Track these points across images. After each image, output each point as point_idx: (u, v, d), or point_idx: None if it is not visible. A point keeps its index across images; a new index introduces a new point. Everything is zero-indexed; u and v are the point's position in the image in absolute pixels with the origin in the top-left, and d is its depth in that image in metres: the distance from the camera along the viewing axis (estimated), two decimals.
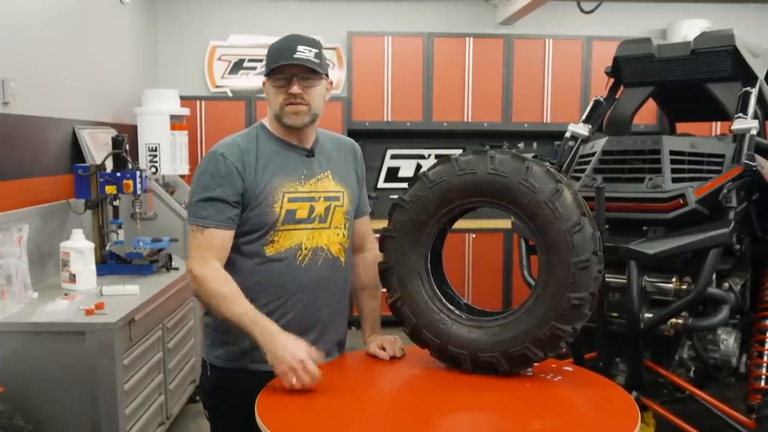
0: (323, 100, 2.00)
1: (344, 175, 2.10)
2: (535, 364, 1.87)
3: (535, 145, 6.28)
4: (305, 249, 1.97)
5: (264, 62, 1.98)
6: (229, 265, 1.95)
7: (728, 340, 2.92)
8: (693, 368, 2.92)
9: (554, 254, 1.78)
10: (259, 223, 1.93)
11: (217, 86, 6.09)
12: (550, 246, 1.79)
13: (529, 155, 1.87)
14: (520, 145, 6.27)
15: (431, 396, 1.80)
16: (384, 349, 2.04)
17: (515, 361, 1.84)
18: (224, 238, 1.91)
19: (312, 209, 1.98)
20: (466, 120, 5.98)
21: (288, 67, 1.90)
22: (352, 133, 5.89)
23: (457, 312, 1.94)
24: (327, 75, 1.99)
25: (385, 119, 5.93)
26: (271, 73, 1.92)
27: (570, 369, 2.01)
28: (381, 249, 2.01)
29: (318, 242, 1.99)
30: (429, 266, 1.98)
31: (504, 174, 1.82)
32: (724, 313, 2.64)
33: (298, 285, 1.97)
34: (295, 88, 1.91)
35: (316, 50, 1.93)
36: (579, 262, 1.76)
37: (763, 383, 2.85)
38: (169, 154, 4.76)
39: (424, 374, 1.93)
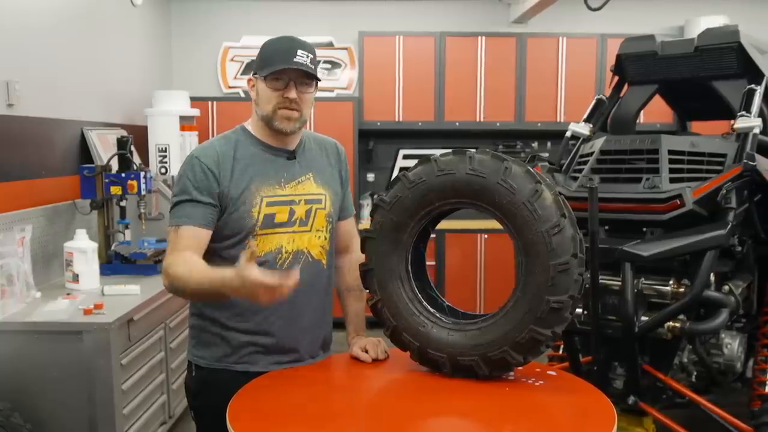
0: (312, 105, 1.99)
1: (327, 177, 2.09)
2: (517, 368, 1.83)
3: (549, 144, 6.22)
4: (285, 253, 1.96)
5: (257, 60, 1.95)
6: None
7: (732, 344, 2.85)
8: (695, 373, 2.85)
9: (533, 256, 1.74)
10: (238, 227, 1.92)
11: (230, 87, 6.13)
12: (528, 248, 1.75)
13: (509, 156, 1.83)
14: (533, 145, 6.22)
15: (407, 400, 1.78)
16: (367, 352, 2.02)
17: (494, 365, 1.80)
18: (197, 234, 1.89)
19: (292, 212, 1.97)
20: (478, 120, 5.94)
21: (286, 71, 1.88)
22: (364, 133, 5.93)
23: (438, 315, 1.92)
24: (319, 81, 1.98)
25: (397, 119, 5.91)
26: (268, 75, 1.90)
27: (553, 373, 1.97)
28: (362, 250, 1.99)
29: (299, 245, 1.98)
30: (410, 268, 1.95)
31: (482, 174, 1.79)
32: (723, 316, 2.56)
33: None
34: (293, 93, 1.90)
35: (312, 55, 1.92)
36: (558, 264, 1.72)
37: (766, 389, 2.78)
38: (178, 154, 4.79)
39: (403, 377, 1.90)
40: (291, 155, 2.02)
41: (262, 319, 1.96)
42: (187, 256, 1.87)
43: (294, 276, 1.67)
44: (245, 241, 1.93)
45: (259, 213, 1.92)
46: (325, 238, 2.04)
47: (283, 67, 1.88)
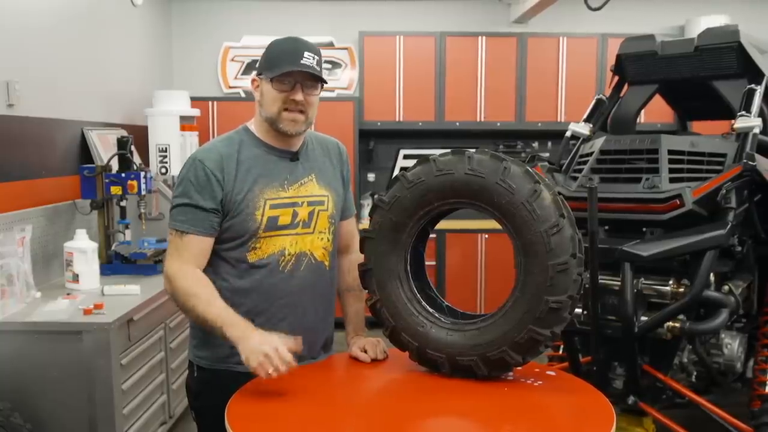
0: (317, 107, 1.99)
1: (329, 178, 2.08)
2: (516, 368, 1.83)
3: (549, 144, 6.22)
4: (288, 255, 1.96)
5: (263, 60, 1.94)
6: (213, 271, 1.95)
7: (732, 344, 2.85)
8: (695, 373, 2.85)
9: (532, 256, 1.74)
10: (241, 230, 1.92)
11: (230, 87, 6.13)
12: (527, 248, 1.75)
13: (505, 155, 1.83)
14: (534, 145, 6.22)
15: (406, 400, 1.78)
16: (366, 352, 2.02)
17: (493, 365, 1.80)
18: (203, 244, 1.90)
19: (295, 215, 1.97)
20: (478, 120, 5.94)
21: (293, 72, 1.88)
22: (364, 133, 5.93)
23: (437, 315, 1.92)
24: (325, 83, 1.96)
25: (397, 119, 5.91)
26: (274, 77, 1.89)
27: (552, 373, 1.97)
28: (361, 250, 1.99)
29: (301, 248, 1.98)
30: (409, 268, 1.95)
31: (481, 174, 1.79)
32: (723, 316, 2.56)
33: (281, 291, 1.96)
34: (299, 96, 1.89)
35: (319, 57, 1.92)
36: (557, 264, 1.72)
37: (766, 389, 2.77)
38: (179, 154, 4.79)
39: (402, 377, 1.91)
40: (294, 157, 2.01)
41: (265, 320, 1.95)
42: (199, 276, 1.88)
43: (298, 347, 1.76)
44: (247, 243, 1.93)
45: (262, 216, 1.92)
46: (328, 240, 2.04)
47: (290, 69, 1.87)
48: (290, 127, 1.92)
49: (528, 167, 1.80)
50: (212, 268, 1.95)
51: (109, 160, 3.85)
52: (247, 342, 1.75)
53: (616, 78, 3.42)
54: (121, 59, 4.87)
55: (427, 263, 2.07)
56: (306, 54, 1.88)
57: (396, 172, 6.29)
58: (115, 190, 3.73)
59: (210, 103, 5.71)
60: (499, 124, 5.95)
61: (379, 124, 5.92)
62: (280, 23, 5.95)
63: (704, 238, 2.50)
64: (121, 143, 3.85)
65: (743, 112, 2.74)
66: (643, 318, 2.62)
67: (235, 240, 1.93)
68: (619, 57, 3.31)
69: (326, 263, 2.05)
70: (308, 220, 1.99)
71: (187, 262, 1.89)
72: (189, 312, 1.89)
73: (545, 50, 5.90)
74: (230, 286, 1.95)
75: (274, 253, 1.95)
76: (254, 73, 1.99)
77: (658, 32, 3.39)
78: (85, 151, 4.10)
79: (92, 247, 3.39)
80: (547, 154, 5.54)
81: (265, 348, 1.71)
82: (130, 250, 3.73)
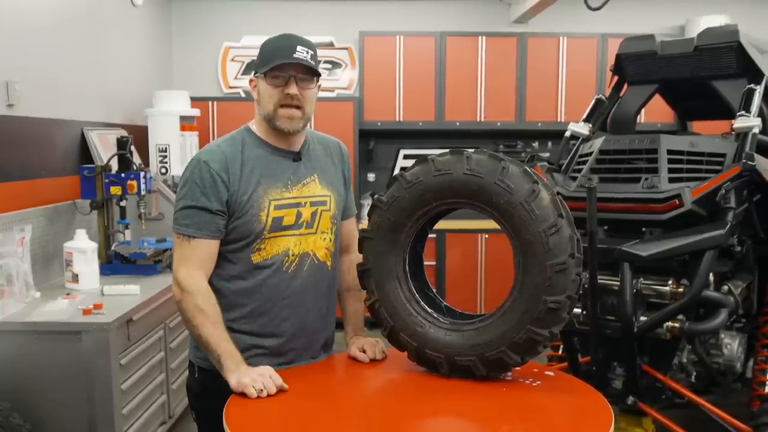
0: (314, 103, 1.98)
1: (331, 178, 2.08)
2: (515, 368, 1.83)
3: (550, 144, 6.22)
4: (292, 255, 1.96)
5: (257, 59, 1.94)
6: (216, 272, 1.94)
7: (732, 345, 2.84)
8: (694, 373, 2.85)
9: (530, 256, 1.74)
10: (246, 231, 1.91)
11: (231, 87, 6.13)
12: (526, 248, 1.75)
13: (504, 155, 1.82)
14: (534, 145, 6.22)
15: (405, 400, 1.77)
16: (364, 352, 2.02)
17: (492, 365, 1.80)
18: (211, 248, 1.90)
19: (299, 215, 1.97)
20: (479, 120, 5.94)
21: (286, 66, 1.88)
22: (364, 133, 5.93)
23: (435, 315, 1.91)
24: (319, 75, 1.96)
25: (397, 119, 5.91)
26: (268, 71, 1.89)
27: (551, 374, 1.97)
28: (360, 250, 1.99)
29: (305, 248, 1.98)
30: (407, 268, 1.95)
31: (479, 174, 1.78)
32: (722, 316, 2.56)
33: (284, 291, 1.96)
34: (293, 88, 1.88)
35: (313, 52, 1.91)
36: (555, 264, 1.72)
37: (766, 389, 2.77)
38: (179, 154, 4.79)
39: (400, 378, 1.90)
40: (297, 157, 2.01)
41: (267, 321, 1.96)
42: (209, 293, 1.87)
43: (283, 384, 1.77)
44: (252, 244, 1.93)
45: (267, 217, 1.91)
46: (330, 240, 2.04)
47: (282, 62, 1.87)
48: (287, 124, 1.92)
49: (526, 167, 1.79)
50: (215, 269, 1.94)
51: (109, 160, 3.86)
52: (240, 372, 1.78)
53: (616, 78, 3.42)
54: (121, 59, 4.87)
55: (426, 263, 2.07)
56: (299, 48, 1.88)
57: (396, 172, 6.29)
58: (115, 190, 3.74)
59: (210, 103, 5.71)
60: (499, 124, 5.95)
61: (379, 124, 5.92)
62: (280, 23, 5.93)
63: (703, 238, 2.50)
64: (121, 143, 3.86)
65: (743, 112, 2.74)
66: (643, 318, 2.62)
67: (241, 241, 1.93)
68: (618, 57, 3.31)
69: (328, 263, 2.05)
70: (311, 220, 1.99)
71: (195, 266, 1.88)
72: (192, 327, 1.88)
73: (545, 50, 5.90)
74: (233, 286, 1.95)
75: (278, 254, 1.94)
76: (252, 74, 1.99)
77: (658, 32, 3.38)
78: (85, 151, 4.10)
79: (92, 247, 3.39)
80: (547, 154, 5.54)
81: (258, 370, 1.77)
82: (129, 250, 3.73)
